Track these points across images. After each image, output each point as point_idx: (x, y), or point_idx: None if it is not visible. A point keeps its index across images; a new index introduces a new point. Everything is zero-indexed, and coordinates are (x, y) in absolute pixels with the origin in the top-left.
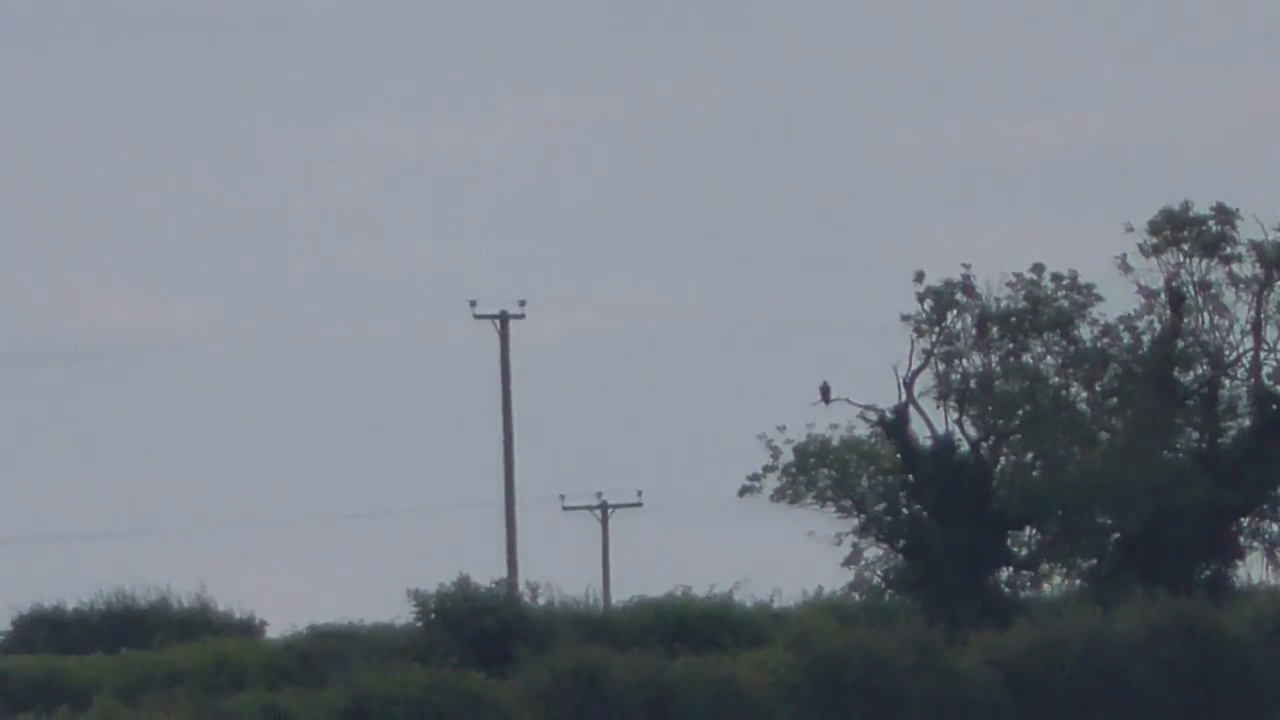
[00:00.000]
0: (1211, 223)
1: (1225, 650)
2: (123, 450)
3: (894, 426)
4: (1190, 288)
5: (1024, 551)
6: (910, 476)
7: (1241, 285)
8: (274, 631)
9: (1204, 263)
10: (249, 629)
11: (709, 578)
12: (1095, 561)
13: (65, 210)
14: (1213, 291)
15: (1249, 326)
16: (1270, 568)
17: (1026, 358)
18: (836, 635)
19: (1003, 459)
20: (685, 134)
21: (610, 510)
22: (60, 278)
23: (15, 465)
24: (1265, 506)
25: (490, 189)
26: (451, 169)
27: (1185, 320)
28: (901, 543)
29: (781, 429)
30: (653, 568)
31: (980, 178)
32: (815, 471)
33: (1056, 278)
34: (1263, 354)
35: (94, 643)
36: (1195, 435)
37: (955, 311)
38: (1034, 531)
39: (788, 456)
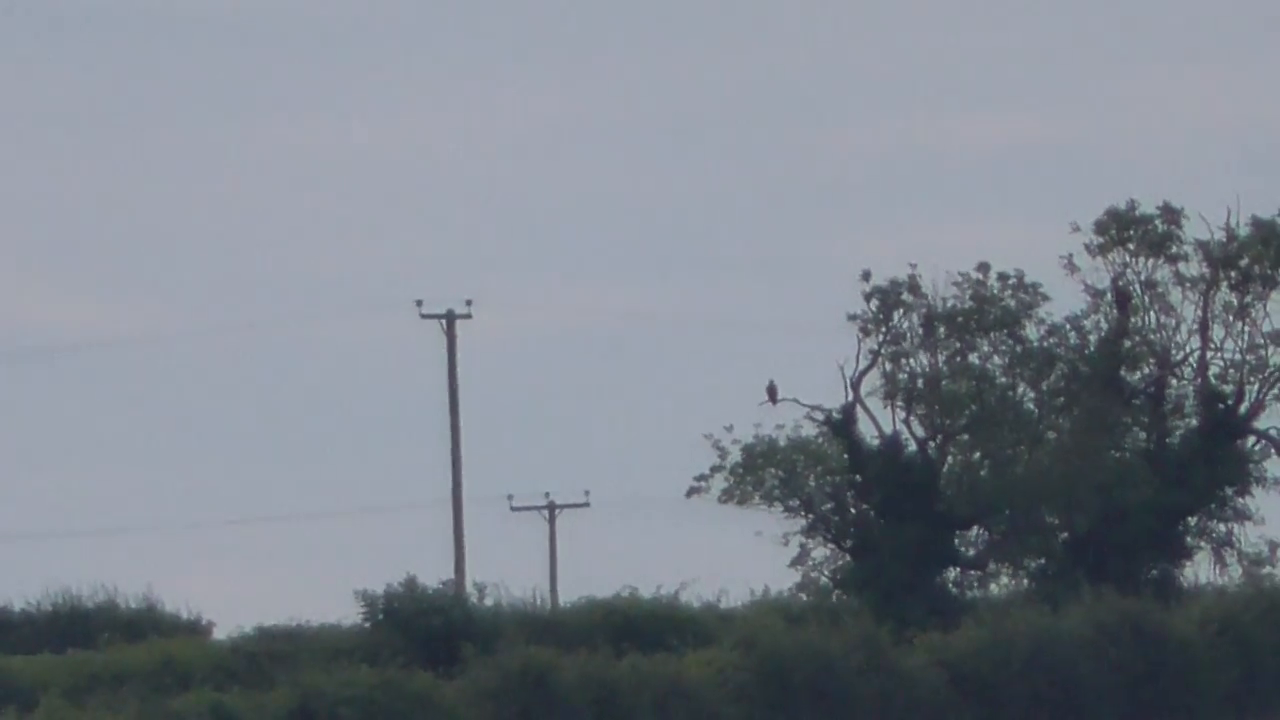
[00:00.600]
0: (1158, 222)
1: (1172, 650)
2: (69, 451)
3: (841, 426)
4: (1137, 287)
5: (971, 551)
6: (857, 476)
7: (1188, 285)
8: (221, 632)
9: (1150, 262)
10: (196, 629)
11: (656, 578)
12: (1043, 561)
13: (6, 208)
14: (1159, 291)
15: (1196, 326)
16: (1217, 567)
17: (973, 357)
18: (784, 635)
19: (950, 458)
20: (630, 135)
21: (558, 510)
22: (1, 276)
23: None
24: (1212, 506)
25: (436, 188)
26: (397, 168)
27: (1132, 320)
28: (849, 543)
29: (729, 429)
30: (600, 568)
31: (926, 177)
32: (762, 471)
33: (1003, 277)
34: (1209, 353)
35: (41, 643)
36: (1142, 435)
37: (902, 311)
38: (981, 531)
39: (735, 457)
